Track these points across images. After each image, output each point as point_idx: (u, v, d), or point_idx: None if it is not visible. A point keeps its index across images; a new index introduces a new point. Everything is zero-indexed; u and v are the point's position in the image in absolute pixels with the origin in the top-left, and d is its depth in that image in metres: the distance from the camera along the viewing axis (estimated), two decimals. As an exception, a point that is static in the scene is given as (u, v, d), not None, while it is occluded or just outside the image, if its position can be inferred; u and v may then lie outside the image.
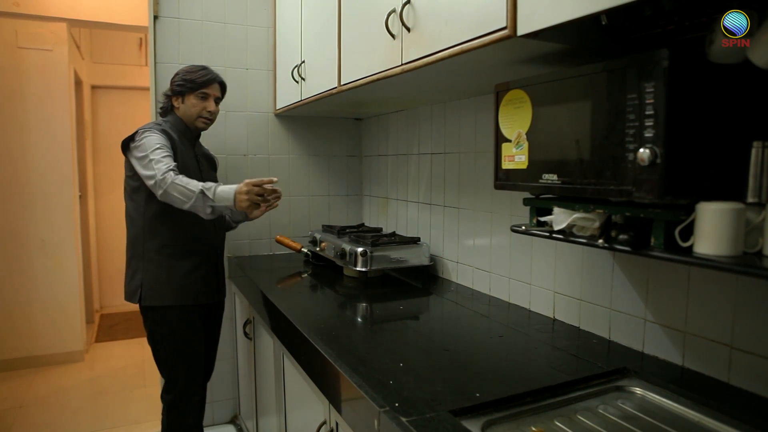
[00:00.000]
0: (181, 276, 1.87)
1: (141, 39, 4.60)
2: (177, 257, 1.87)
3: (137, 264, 1.87)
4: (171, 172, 1.68)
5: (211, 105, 1.93)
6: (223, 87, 1.99)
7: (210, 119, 1.95)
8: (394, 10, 1.37)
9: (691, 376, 1.09)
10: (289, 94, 2.32)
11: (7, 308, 3.41)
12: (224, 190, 1.66)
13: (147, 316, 1.88)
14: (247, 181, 1.65)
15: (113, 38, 4.57)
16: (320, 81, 1.93)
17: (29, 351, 3.46)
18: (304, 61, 2.10)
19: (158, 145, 1.74)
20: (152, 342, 1.90)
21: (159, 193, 1.68)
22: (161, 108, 2.00)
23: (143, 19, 3.05)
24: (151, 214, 1.84)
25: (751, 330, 1.00)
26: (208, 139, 2.43)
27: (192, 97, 1.90)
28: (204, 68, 1.93)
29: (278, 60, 2.50)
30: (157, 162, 1.70)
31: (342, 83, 1.75)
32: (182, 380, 1.90)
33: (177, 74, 1.93)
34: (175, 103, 1.94)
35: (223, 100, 2.40)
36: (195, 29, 2.40)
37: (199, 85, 1.89)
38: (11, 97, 3.35)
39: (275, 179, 1.68)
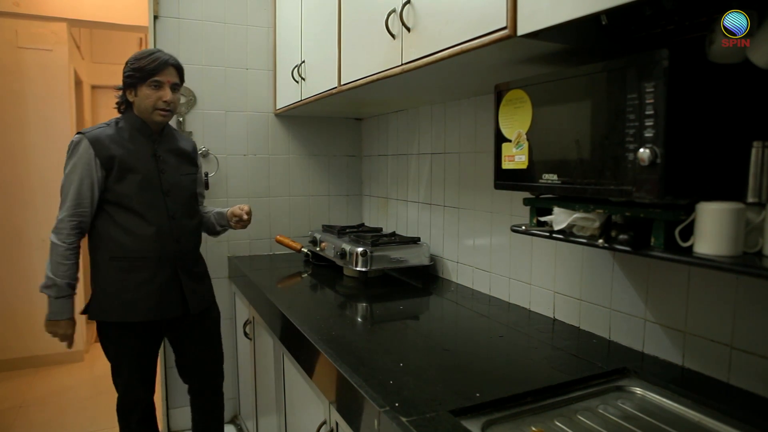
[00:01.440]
0: (129, 290, 1.69)
1: (141, 39, 4.59)
2: (125, 270, 1.69)
3: (92, 274, 1.74)
4: (63, 234, 1.63)
5: (166, 94, 1.67)
6: (179, 70, 1.72)
7: (168, 110, 1.70)
8: (394, 10, 1.37)
9: (691, 376, 1.09)
10: (289, 94, 2.32)
11: (8, 308, 3.41)
12: (63, 308, 1.68)
13: (98, 331, 1.79)
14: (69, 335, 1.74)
15: (113, 38, 4.57)
16: (320, 81, 1.93)
17: (30, 351, 3.45)
18: (304, 61, 2.10)
19: (74, 183, 1.64)
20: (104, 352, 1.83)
21: (50, 237, 1.65)
22: (116, 104, 1.77)
23: (143, 19, 3.05)
24: (98, 222, 1.69)
25: (751, 330, 1.00)
26: (208, 139, 2.44)
27: (144, 87, 1.66)
28: (153, 52, 1.67)
29: (278, 60, 2.50)
30: (61, 209, 1.66)
31: (342, 83, 1.74)
32: (121, 394, 1.84)
33: (126, 64, 1.68)
34: (130, 97, 1.70)
35: (224, 100, 2.36)
36: (195, 29, 2.40)
37: (148, 73, 1.64)
38: (11, 97, 3.35)
39: (70, 348, 1.76)
